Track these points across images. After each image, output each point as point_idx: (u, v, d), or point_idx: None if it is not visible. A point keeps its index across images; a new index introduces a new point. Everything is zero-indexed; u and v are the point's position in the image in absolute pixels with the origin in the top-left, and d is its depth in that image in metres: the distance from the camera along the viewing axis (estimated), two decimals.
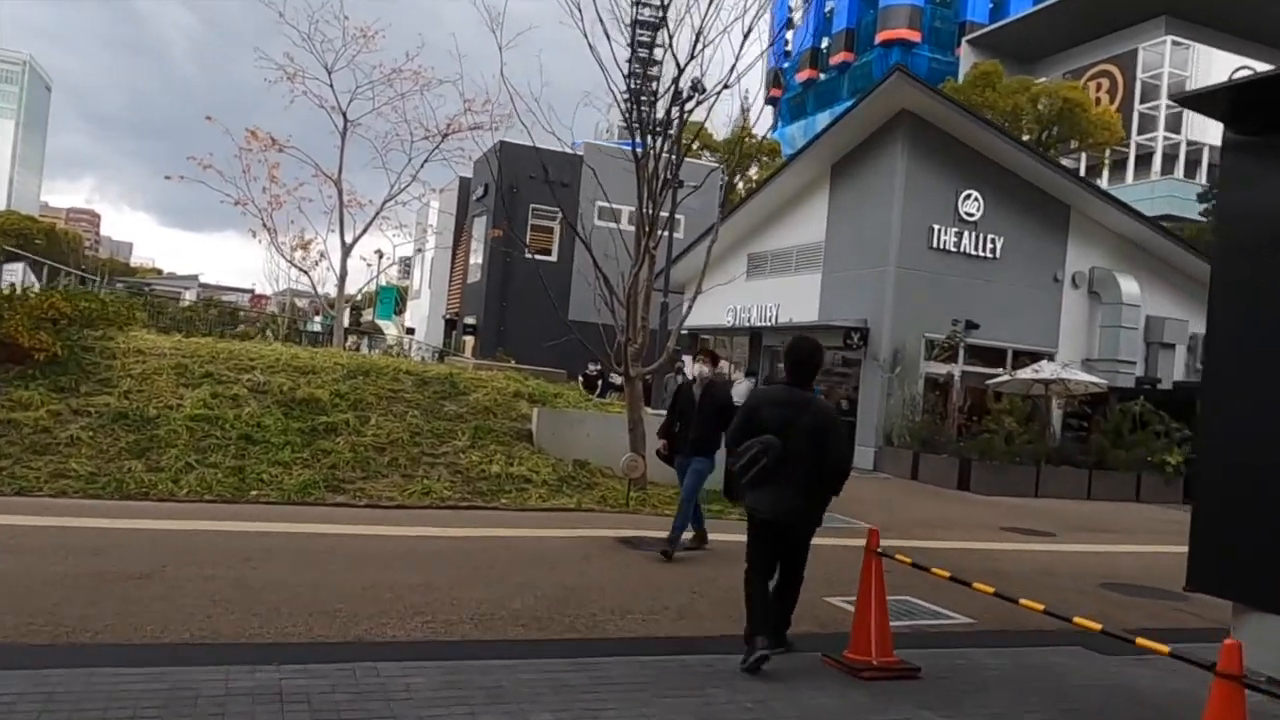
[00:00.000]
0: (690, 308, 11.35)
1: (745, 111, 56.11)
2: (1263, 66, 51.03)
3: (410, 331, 49.33)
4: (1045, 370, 16.34)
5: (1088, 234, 19.79)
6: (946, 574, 4.83)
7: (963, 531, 11.18)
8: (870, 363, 18.24)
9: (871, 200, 18.88)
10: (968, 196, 18.55)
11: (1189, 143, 47.57)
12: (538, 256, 34.04)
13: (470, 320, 37.25)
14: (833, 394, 20.46)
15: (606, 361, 11.25)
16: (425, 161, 20.99)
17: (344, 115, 20.62)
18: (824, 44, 76.53)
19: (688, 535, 8.02)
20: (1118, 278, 19.31)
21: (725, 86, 10.53)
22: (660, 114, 11.28)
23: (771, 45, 23.49)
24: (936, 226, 18.35)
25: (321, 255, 21.61)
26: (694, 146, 19.27)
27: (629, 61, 12.34)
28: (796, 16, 76.26)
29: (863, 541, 5.11)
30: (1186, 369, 20.46)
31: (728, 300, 23.64)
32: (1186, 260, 20.21)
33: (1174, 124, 48.08)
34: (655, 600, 6.22)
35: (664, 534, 8.67)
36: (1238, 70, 50.84)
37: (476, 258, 37.12)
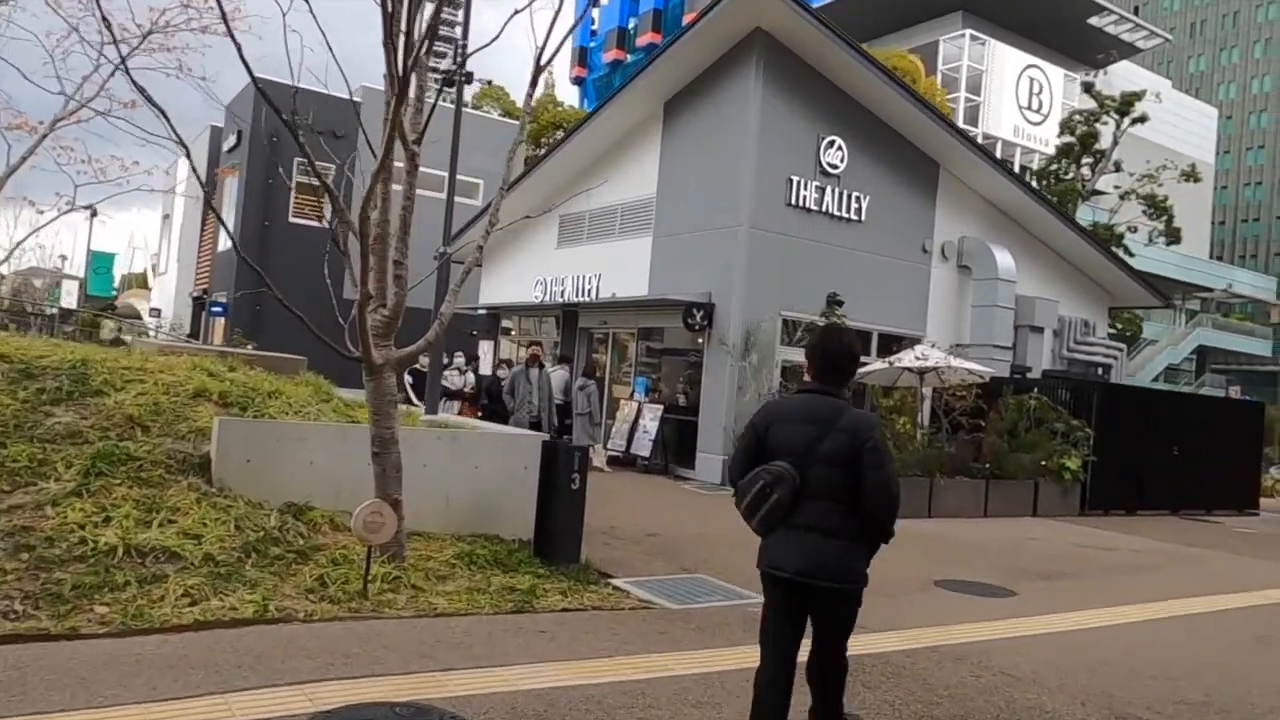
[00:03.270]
0: (477, 257, 6.85)
1: (543, 59, 51.98)
2: (1049, 67, 53.16)
3: (156, 313, 41.47)
4: (932, 357, 13.16)
5: (957, 198, 17.00)
6: None
7: (888, 597, 7.45)
8: (716, 348, 14.48)
9: (718, 144, 15.10)
10: (831, 143, 15.16)
11: (985, 136, 48.22)
12: (306, 222, 28.30)
13: (220, 298, 30.77)
14: (668, 386, 16.61)
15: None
16: (115, 70, 15.12)
17: None
18: (631, 25, 73.68)
19: None
20: (992, 249, 16.63)
21: None
22: None
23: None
24: (796, 178, 14.82)
25: None
26: (493, 113, 14.89)
27: None
28: None
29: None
30: (1052, 356, 18.22)
31: (536, 271, 19.32)
32: (1057, 233, 17.92)
33: (972, 117, 48.62)
34: None
35: (429, 684, 4.24)
36: (1027, 68, 52.56)
37: (229, 222, 30.61)
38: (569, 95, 69.74)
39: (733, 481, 3.74)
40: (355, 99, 20.02)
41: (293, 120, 5.78)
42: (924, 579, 8.16)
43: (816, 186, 15.03)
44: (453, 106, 15.58)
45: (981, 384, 13.73)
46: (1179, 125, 57.21)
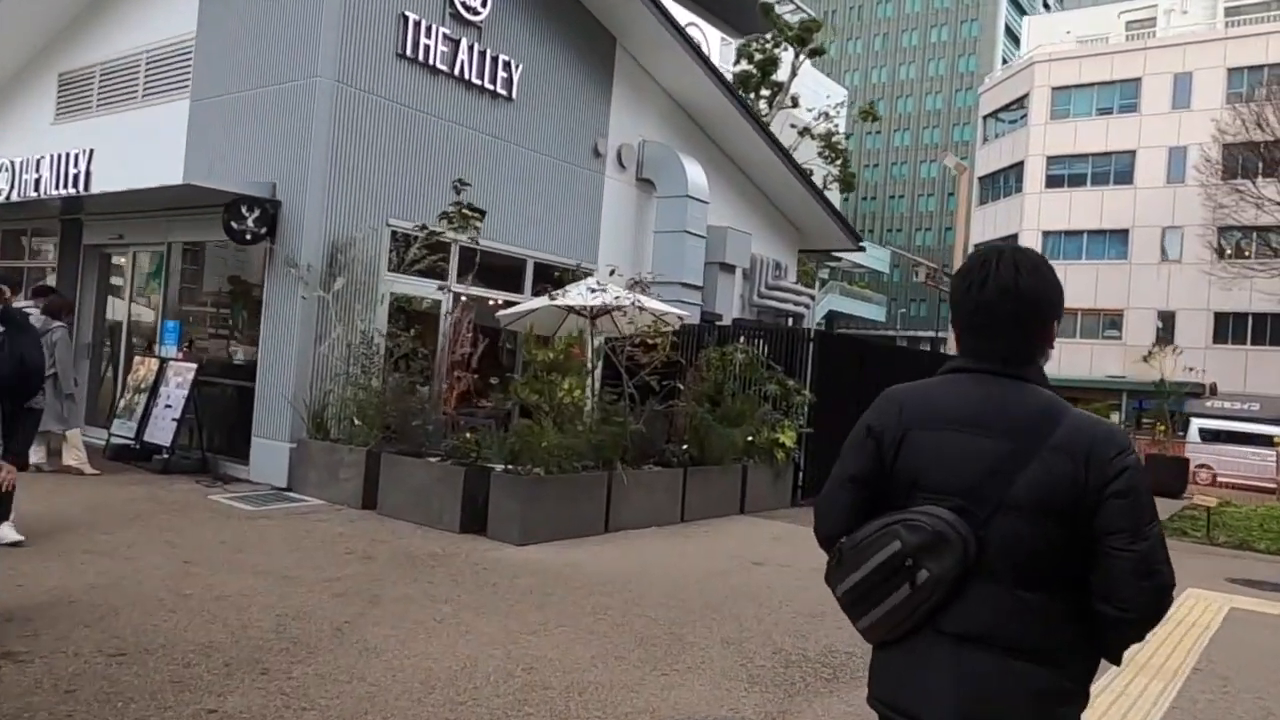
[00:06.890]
0: None
1: None
2: (708, 28, 52.65)
3: None
4: (612, 293, 8.90)
5: (638, 89, 12.95)
6: None
7: None
8: (283, 271, 9.09)
9: None
10: None
11: None
12: None
13: None
14: (215, 334, 10.91)
15: None
16: None
17: None
18: None
19: None
20: (681, 159, 12.81)
21: None
22: None
23: None
24: (414, 17, 9.77)
25: None
26: None
27: None
28: None
29: None
30: (742, 302, 14.98)
31: (3, 148, 12.48)
32: (750, 150, 14.55)
33: None
34: None
35: None
36: (689, 25, 51.58)
37: None
38: None
39: (824, 536, 1.80)
40: None
41: None
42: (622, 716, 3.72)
43: (446, 36, 10.08)
44: None
45: (675, 334, 9.79)
46: (816, 103, 60.04)
